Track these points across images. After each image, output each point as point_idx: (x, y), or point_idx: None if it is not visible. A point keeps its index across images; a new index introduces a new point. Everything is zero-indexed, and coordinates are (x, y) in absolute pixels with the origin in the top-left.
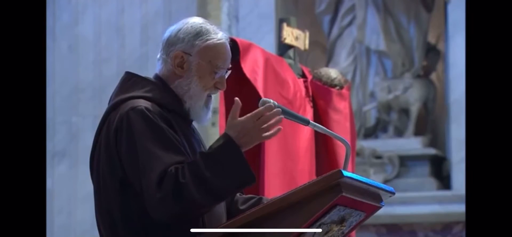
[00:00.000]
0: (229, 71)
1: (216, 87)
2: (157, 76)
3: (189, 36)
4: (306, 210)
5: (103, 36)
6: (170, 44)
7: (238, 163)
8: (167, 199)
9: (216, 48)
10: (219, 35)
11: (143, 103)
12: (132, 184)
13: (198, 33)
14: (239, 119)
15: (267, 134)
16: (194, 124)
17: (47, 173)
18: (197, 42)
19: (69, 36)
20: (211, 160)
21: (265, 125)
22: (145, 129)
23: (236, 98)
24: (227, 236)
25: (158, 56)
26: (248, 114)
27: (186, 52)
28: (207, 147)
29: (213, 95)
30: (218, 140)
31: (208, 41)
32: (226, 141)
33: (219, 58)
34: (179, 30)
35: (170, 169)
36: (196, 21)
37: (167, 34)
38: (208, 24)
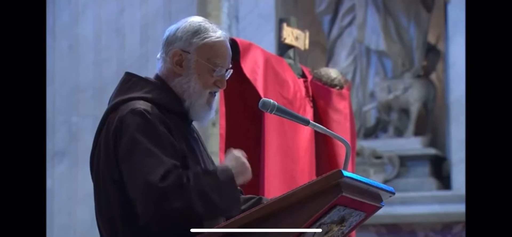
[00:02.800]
0: (231, 70)
1: (216, 86)
2: (157, 76)
3: (187, 35)
4: (306, 210)
5: (103, 36)
6: (169, 43)
7: (233, 189)
8: (170, 192)
9: (214, 46)
10: (217, 34)
11: (142, 105)
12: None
13: (196, 31)
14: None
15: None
16: (194, 123)
17: (47, 173)
18: (195, 40)
19: (69, 36)
20: (212, 178)
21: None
22: (144, 131)
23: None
24: (227, 236)
25: (158, 55)
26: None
27: (184, 50)
28: (207, 145)
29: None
30: (221, 166)
31: (206, 39)
32: (227, 168)
33: (218, 56)
34: (178, 29)
35: (173, 169)
36: (195, 20)
37: (166, 33)
38: (207, 22)
